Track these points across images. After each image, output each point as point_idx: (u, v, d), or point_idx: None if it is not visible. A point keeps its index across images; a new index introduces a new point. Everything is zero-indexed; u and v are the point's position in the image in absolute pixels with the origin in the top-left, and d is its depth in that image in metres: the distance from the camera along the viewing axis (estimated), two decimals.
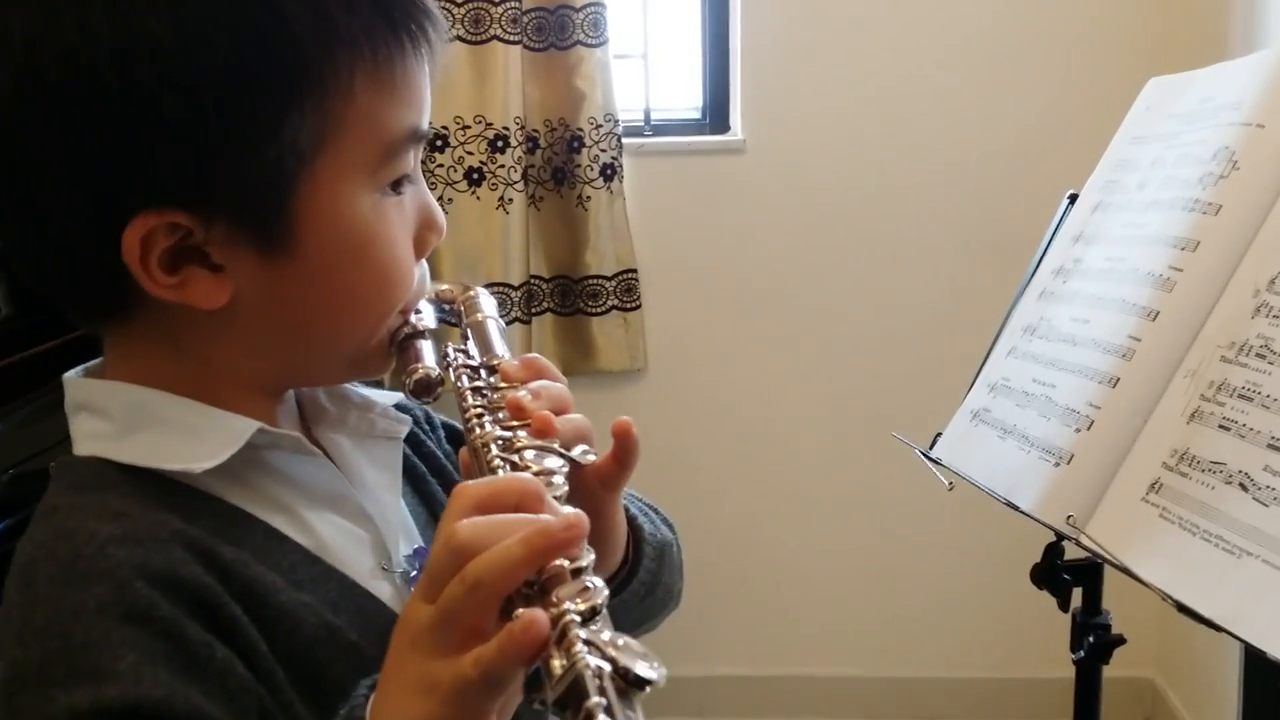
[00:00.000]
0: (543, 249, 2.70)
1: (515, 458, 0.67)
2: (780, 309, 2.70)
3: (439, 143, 2.58)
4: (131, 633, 0.63)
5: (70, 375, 0.77)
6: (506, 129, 2.59)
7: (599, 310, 2.69)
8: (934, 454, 1.30)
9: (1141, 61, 1.63)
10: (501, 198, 2.61)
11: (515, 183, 2.61)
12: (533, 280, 2.69)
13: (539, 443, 0.69)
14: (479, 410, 0.72)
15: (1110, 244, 1.24)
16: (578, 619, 0.53)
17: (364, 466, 0.81)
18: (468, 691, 0.55)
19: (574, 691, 0.50)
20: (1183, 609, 0.92)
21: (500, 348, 0.79)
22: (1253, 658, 1.78)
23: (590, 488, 0.75)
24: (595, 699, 0.49)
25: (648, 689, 0.51)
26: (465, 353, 0.79)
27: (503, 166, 2.60)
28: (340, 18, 0.67)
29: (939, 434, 1.32)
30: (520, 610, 0.54)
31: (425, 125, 0.74)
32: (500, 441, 0.69)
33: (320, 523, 0.77)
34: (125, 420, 0.73)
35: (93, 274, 0.70)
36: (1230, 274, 1.06)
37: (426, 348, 0.78)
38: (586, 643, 0.52)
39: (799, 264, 2.69)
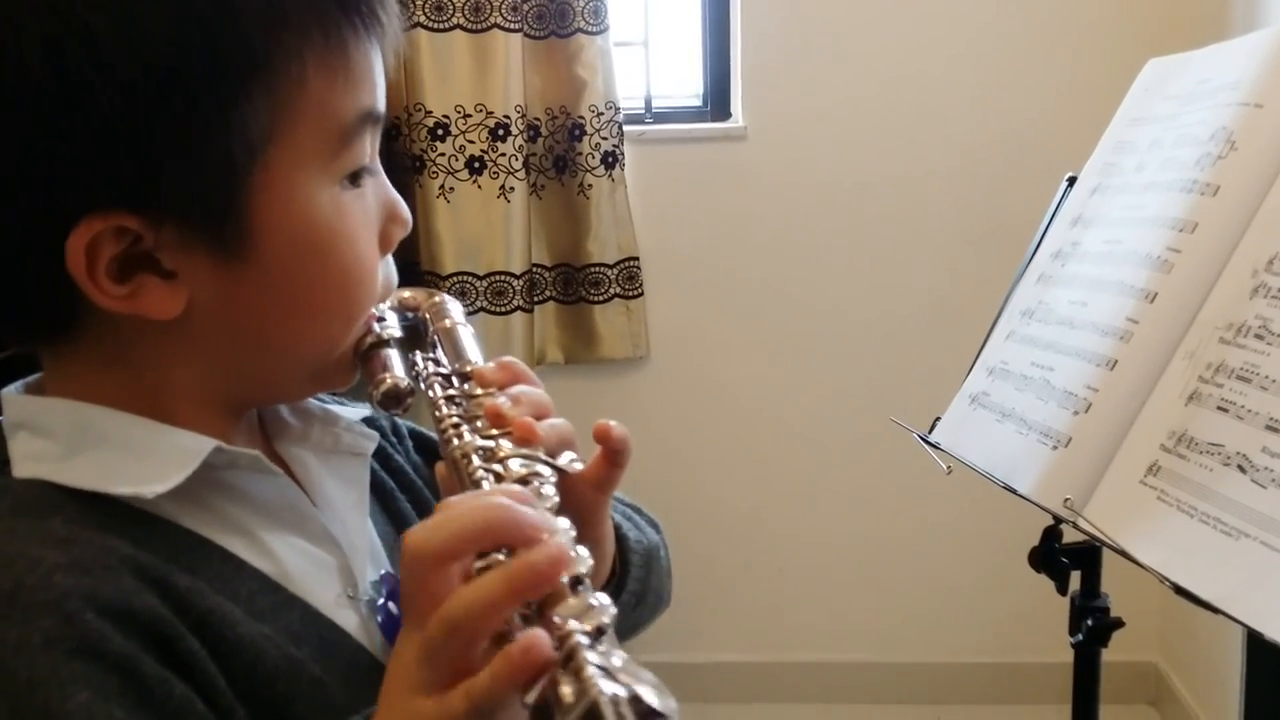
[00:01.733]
0: (544, 237, 2.70)
1: (499, 468, 0.63)
2: (782, 296, 2.70)
3: (440, 131, 2.58)
4: (82, 669, 0.58)
5: (9, 390, 0.71)
6: (508, 117, 2.58)
7: (601, 298, 2.68)
8: (933, 438, 1.30)
9: (1142, 44, 1.62)
10: (503, 186, 2.61)
11: (516, 171, 2.60)
12: (535, 269, 2.69)
13: (524, 451, 0.64)
14: (455, 420, 0.68)
15: (1108, 226, 1.24)
16: (586, 641, 0.49)
17: (329, 485, 0.77)
18: None
19: None
20: (1180, 591, 0.92)
21: (474, 354, 0.74)
22: (1255, 641, 1.78)
23: (580, 493, 0.71)
24: None
25: None
26: (435, 361, 0.74)
27: (504, 155, 2.59)
28: (288, 0, 0.64)
29: (938, 418, 1.32)
30: (520, 631, 0.51)
31: (380, 108, 0.70)
32: (481, 451, 0.64)
33: (282, 546, 0.72)
34: (70, 440, 0.68)
35: (36, 287, 0.65)
36: (1228, 255, 1.06)
37: (393, 357, 0.73)
38: (600, 668, 0.48)
39: (800, 251, 2.69)
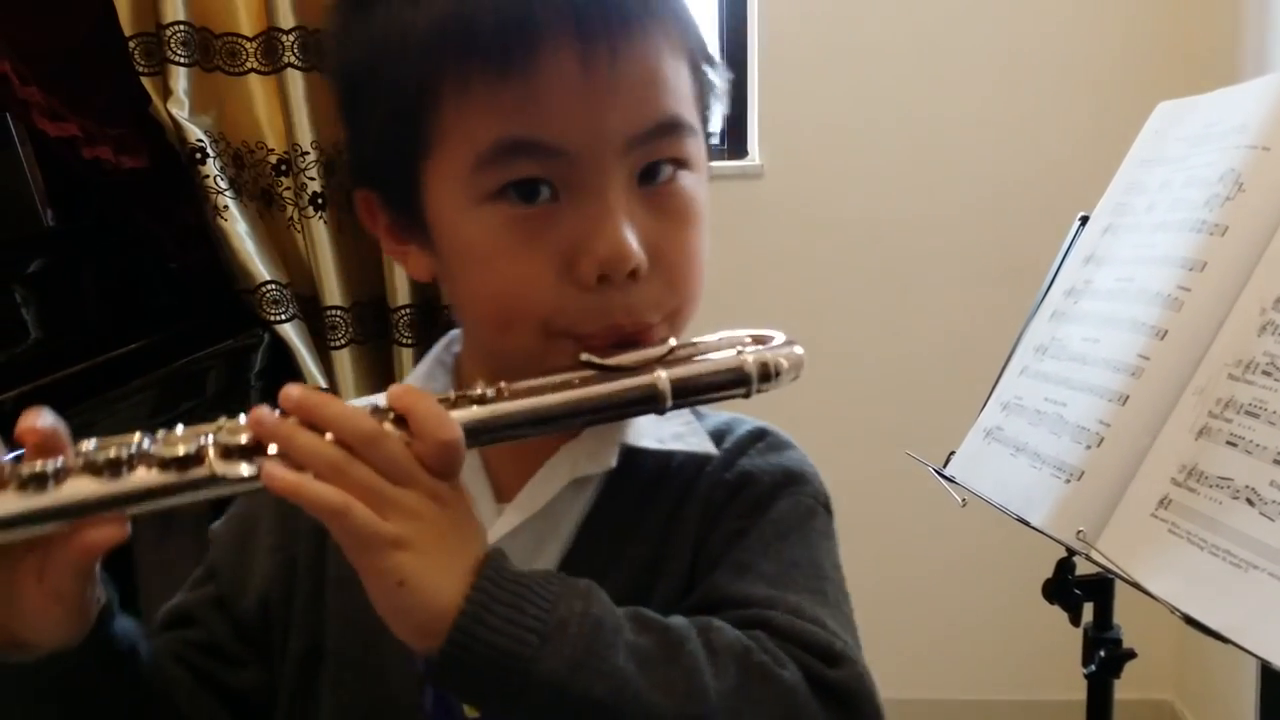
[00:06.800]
0: None
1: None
2: (797, 332, 2.70)
3: None
4: None
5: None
6: None
7: None
8: (947, 472, 1.31)
9: (1152, 88, 1.65)
10: None
11: None
12: None
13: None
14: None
15: (1120, 265, 1.26)
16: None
17: (528, 485, 0.77)
18: None
19: None
20: (1190, 621, 0.93)
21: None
22: (1270, 677, 1.78)
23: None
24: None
25: None
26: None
27: None
28: (451, 30, 0.68)
29: (953, 452, 1.34)
30: None
31: (534, 136, 0.69)
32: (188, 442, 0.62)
33: None
34: None
35: None
36: (1237, 293, 1.08)
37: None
38: None
39: (816, 288, 2.71)
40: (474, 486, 0.77)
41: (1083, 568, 1.17)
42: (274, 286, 2.21)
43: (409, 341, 2.30)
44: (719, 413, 0.84)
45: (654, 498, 0.78)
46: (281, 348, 2.20)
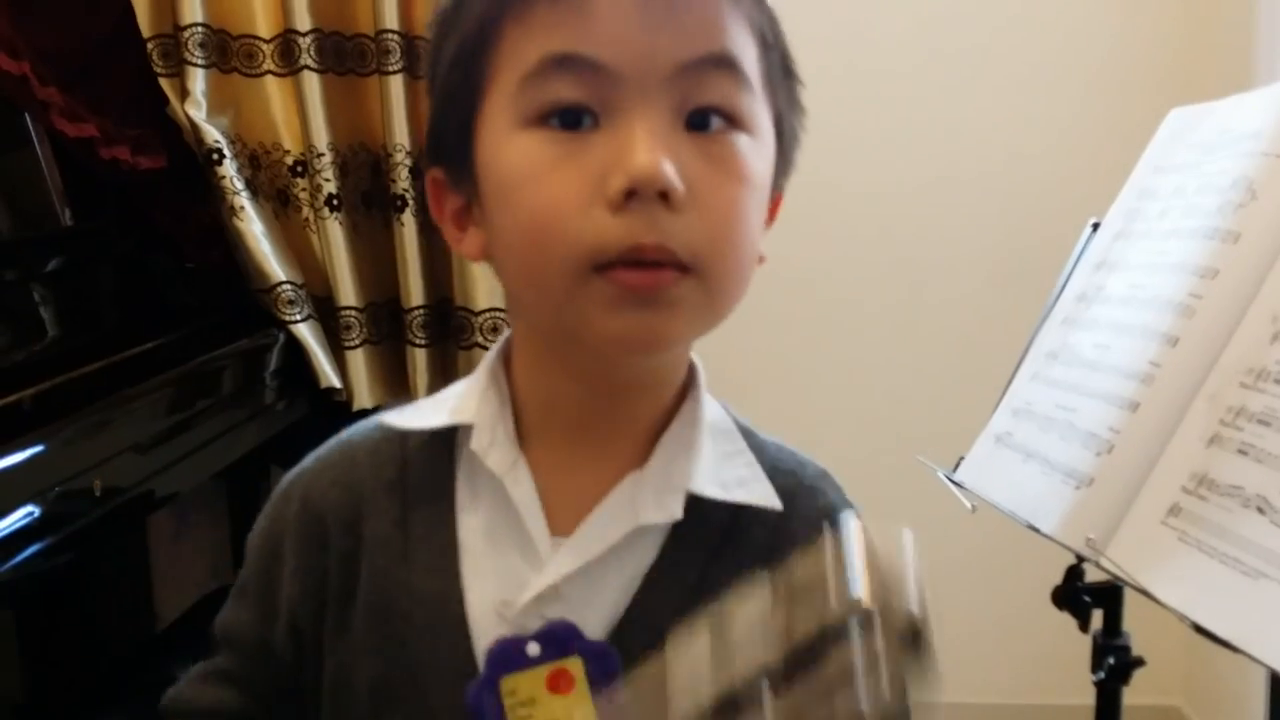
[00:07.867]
0: None
1: None
2: (802, 334, 2.71)
3: None
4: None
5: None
6: None
7: None
8: (957, 477, 1.32)
9: (1165, 92, 1.65)
10: None
11: None
12: None
13: None
14: None
15: (1132, 271, 1.26)
16: None
17: (594, 518, 0.74)
18: None
19: None
20: (1200, 630, 0.94)
21: None
22: (1279, 685, 1.78)
23: None
24: None
25: None
26: None
27: None
28: None
29: (962, 457, 1.34)
30: None
31: (586, 51, 0.67)
32: None
33: (482, 528, 0.75)
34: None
35: None
36: (1249, 301, 1.08)
37: None
38: None
39: (821, 288, 2.70)
40: (529, 516, 0.74)
41: (1092, 575, 1.17)
42: (289, 287, 2.22)
43: (422, 342, 2.31)
44: (771, 437, 0.85)
45: (723, 555, 0.76)
46: (296, 348, 2.21)
